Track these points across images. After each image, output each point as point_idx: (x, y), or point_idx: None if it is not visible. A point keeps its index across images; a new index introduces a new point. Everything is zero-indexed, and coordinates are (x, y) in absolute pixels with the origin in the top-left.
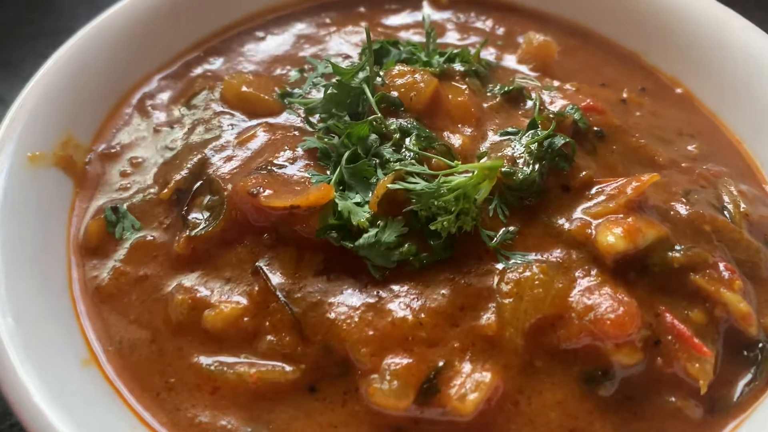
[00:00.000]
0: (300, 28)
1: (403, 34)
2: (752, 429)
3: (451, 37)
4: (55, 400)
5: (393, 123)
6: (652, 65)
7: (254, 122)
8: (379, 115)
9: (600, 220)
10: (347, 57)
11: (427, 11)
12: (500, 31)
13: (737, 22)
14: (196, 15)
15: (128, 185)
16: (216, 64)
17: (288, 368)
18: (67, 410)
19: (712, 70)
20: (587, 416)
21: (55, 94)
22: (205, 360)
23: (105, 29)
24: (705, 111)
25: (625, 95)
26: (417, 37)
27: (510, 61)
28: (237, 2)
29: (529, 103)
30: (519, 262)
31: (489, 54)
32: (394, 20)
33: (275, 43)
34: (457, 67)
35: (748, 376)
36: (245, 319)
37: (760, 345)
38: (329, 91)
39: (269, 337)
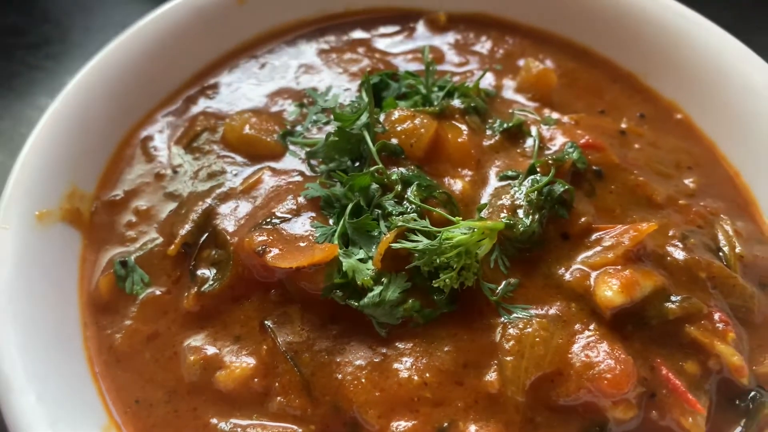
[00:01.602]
0: (299, 56)
1: (401, 61)
2: None
3: (450, 62)
4: None
5: (394, 173)
6: (651, 87)
7: (257, 167)
8: (381, 165)
9: (598, 272)
10: (347, 89)
11: (425, 35)
12: (499, 53)
13: (738, 49)
14: (196, 44)
15: (135, 236)
16: (216, 99)
17: (299, 429)
18: None
19: (712, 97)
20: None
21: (57, 147)
22: (219, 421)
23: (103, 69)
24: (704, 140)
25: (624, 125)
26: (415, 65)
27: (509, 89)
28: (237, 30)
29: (529, 141)
30: (520, 316)
31: (487, 82)
32: (391, 44)
33: (275, 73)
34: (456, 103)
35: (739, 428)
36: (255, 380)
37: (752, 394)
38: (330, 139)
39: (279, 399)
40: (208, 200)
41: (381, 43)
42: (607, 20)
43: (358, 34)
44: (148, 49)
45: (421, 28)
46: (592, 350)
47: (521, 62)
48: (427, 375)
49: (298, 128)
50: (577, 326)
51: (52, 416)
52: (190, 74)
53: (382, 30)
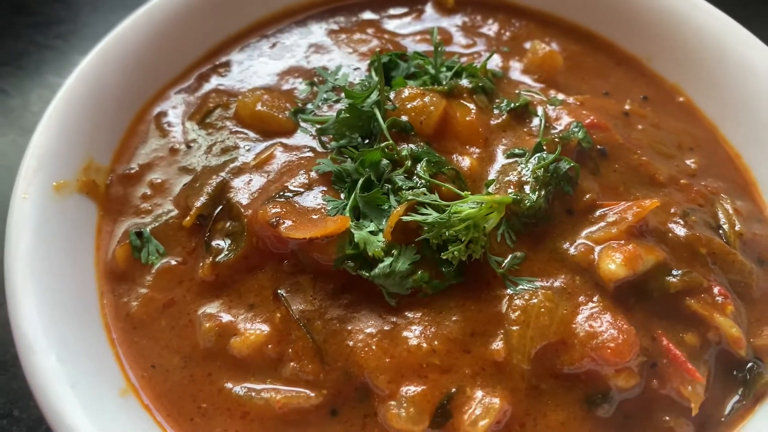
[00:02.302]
0: (309, 36)
1: (409, 41)
2: None
3: (458, 44)
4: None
5: (404, 148)
6: (654, 71)
7: (269, 142)
8: (391, 141)
9: (602, 246)
10: (356, 69)
11: (433, 17)
12: (506, 35)
13: (740, 33)
14: (207, 23)
15: (150, 208)
16: (228, 76)
17: (311, 394)
18: None
19: (714, 81)
20: None
21: (73, 119)
22: (233, 386)
23: (117, 46)
24: (705, 122)
25: (627, 107)
26: (423, 46)
27: (515, 70)
28: (248, 9)
29: (535, 120)
30: (526, 288)
31: (494, 63)
32: (400, 26)
33: (285, 52)
34: (465, 83)
35: (736, 397)
36: (269, 346)
37: (749, 365)
38: (341, 115)
39: (292, 364)
40: (222, 174)
41: (390, 24)
42: (613, 5)
43: (367, 15)
44: (160, 28)
45: (429, 10)
46: (596, 321)
47: (528, 45)
48: (436, 343)
49: (309, 106)
50: (581, 298)
51: (72, 377)
52: (202, 53)
53: (391, 11)
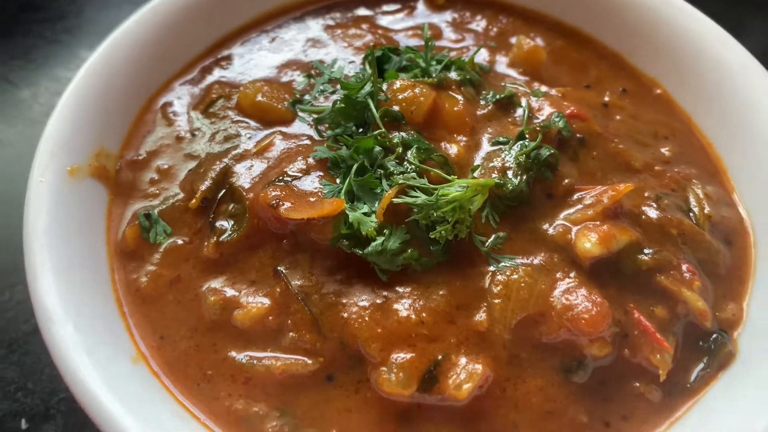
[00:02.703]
0: (307, 31)
1: (402, 36)
2: (703, 410)
3: (448, 39)
4: (115, 398)
5: (396, 136)
6: (633, 65)
7: (269, 131)
8: (383, 129)
9: (579, 227)
10: (351, 62)
11: (424, 14)
12: (493, 31)
13: (715, 31)
14: (210, 19)
15: (157, 192)
16: (230, 69)
17: (308, 361)
18: (126, 405)
19: (689, 75)
20: (564, 400)
21: (84, 110)
22: (236, 354)
23: (124, 40)
24: (680, 113)
25: (607, 98)
26: (415, 41)
27: (501, 64)
28: (248, 5)
29: (519, 111)
30: (507, 265)
31: (482, 58)
32: (393, 21)
33: (284, 46)
34: (453, 75)
35: (701, 365)
36: (270, 318)
37: (714, 336)
38: (337, 105)
39: (291, 334)
40: (225, 160)
41: (383, 20)
42: (596, 2)
43: (362, 11)
44: (164, 24)
45: (421, 6)
46: (572, 294)
47: (513, 40)
48: (424, 315)
49: (307, 97)
50: (559, 274)
51: (88, 345)
52: (205, 47)
53: (385, 8)
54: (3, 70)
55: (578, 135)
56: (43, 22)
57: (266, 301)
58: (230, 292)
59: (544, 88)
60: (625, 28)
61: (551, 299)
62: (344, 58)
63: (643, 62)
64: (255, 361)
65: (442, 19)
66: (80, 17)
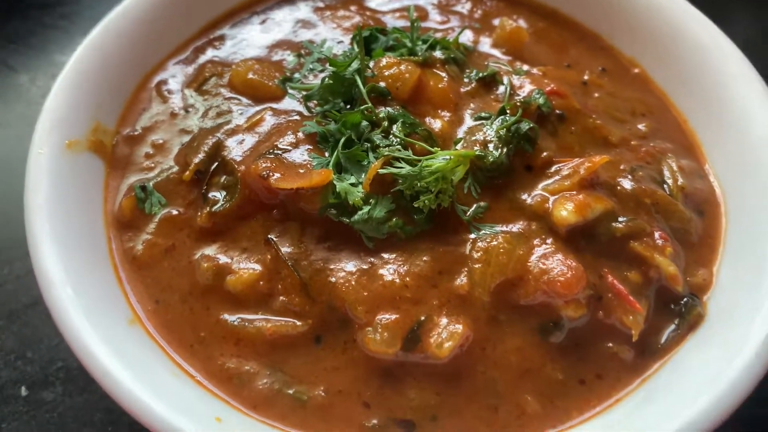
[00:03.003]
0: (296, 12)
1: (389, 18)
2: (673, 369)
3: (433, 20)
4: (113, 355)
5: (382, 111)
6: (612, 46)
7: (260, 107)
8: (370, 104)
9: (556, 196)
10: (340, 42)
11: None
12: (477, 13)
13: (691, 12)
14: (202, 1)
15: (152, 165)
16: (222, 49)
17: (298, 323)
18: (124, 362)
19: (667, 54)
20: (540, 359)
21: (83, 86)
22: (228, 317)
23: (120, 20)
24: (657, 90)
25: (586, 77)
26: (401, 22)
27: (485, 44)
28: None
29: (501, 88)
30: (487, 232)
31: (466, 38)
32: (380, 3)
33: (274, 27)
34: (438, 54)
35: (672, 326)
36: (261, 282)
37: (684, 300)
38: (326, 82)
39: (281, 298)
40: (218, 135)
41: (371, 2)
42: None
43: None
44: (159, 4)
45: None
46: (548, 259)
47: (497, 21)
48: (408, 279)
49: (296, 75)
50: (536, 241)
51: (87, 307)
52: (198, 28)
53: None
54: (2, 54)
55: (557, 111)
56: (42, 7)
57: (257, 267)
58: (223, 258)
59: (525, 67)
60: (604, 10)
61: (529, 264)
62: (333, 38)
63: (621, 43)
64: (246, 323)
65: (428, 2)
66: (78, 3)
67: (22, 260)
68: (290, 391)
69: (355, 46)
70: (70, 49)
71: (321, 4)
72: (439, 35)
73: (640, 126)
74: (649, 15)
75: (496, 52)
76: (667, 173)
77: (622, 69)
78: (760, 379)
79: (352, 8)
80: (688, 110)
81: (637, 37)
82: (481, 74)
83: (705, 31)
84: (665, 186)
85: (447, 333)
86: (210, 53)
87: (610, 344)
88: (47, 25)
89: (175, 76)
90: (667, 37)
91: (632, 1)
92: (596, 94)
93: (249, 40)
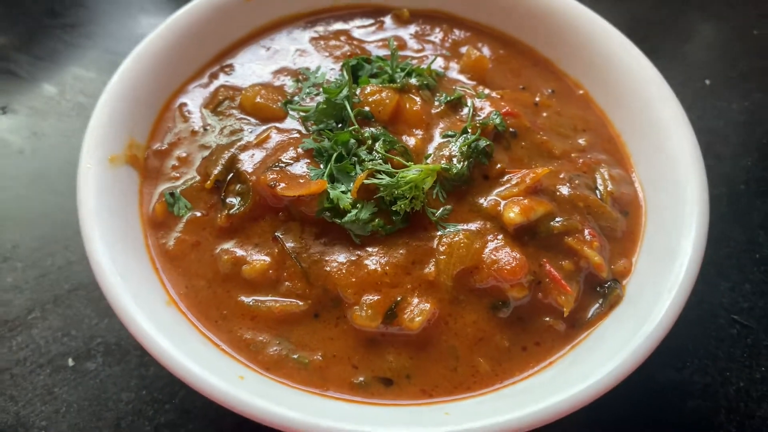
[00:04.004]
0: (295, 42)
1: (373, 47)
2: (596, 338)
3: (411, 49)
4: (156, 329)
5: (367, 131)
6: (562, 70)
7: (266, 126)
8: (357, 126)
9: (506, 201)
10: (332, 69)
11: (392, 27)
12: (448, 42)
13: (620, 41)
14: (215, 33)
15: (178, 175)
16: (232, 75)
17: (300, 303)
18: (164, 333)
19: (603, 78)
20: (491, 330)
21: (118, 108)
22: (245, 298)
23: (148, 51)
24: (597, 110)
25: (538, 98)
26: (384, 51)
27: (453, 70)
28: (247, 20)
29: (465, 110)
30: (451, 230)
31: (438, 65)
32: (365, 34)
33: (277, 56)
34: (413, 81)
35: (597, 304)
36: (270, 271)
37: (608, 284)
38: (320, 106)
39: (287, 283)
40: (232, 150)
41: (357, 33)
42: (531, 17)
43: (340, 25)
44: (179, 37)
45: (389, 21)
46: (499, 252)
47: (464, 50)
48: (387, 268)
49: (296, 98)
50: (490, 237)
51: (133, 290)
52: (211, 56)
53: (359, 23)
54: (32, 70)
55: (511, 129)
56: (64, 27)
57: (267, 259)
58: (239, 252)
59: (486, 91)
60: (553, 39)
61: (483, 255)
62: (326, 65)
63: (568, 67)
64: (259, 303)
65: (407, 32)
66: (96, 24)
67: (62, 253)
68: (295, 356)
69: (345, 74)
70: (89, 64)
71: (316, 35)
72: (415, 62)
73: (581, 140)
74: (591, 46)
75: (462, 78)
76: (599, 181)
77: (568, 90)
78: (657, 345)
79: (342, 38)
80: (621, 126)
81: (579, 64)
82: (449, 98)
83: (635, 60)
84: (597, 191)
85: (418, 310)
86: (222, 78)
87: (547, 318)
88: (68, 43)
89: (194, 98)
90: (605, 64)
91: (578, 34)
92: (545, 113)
93: (255, 67)
